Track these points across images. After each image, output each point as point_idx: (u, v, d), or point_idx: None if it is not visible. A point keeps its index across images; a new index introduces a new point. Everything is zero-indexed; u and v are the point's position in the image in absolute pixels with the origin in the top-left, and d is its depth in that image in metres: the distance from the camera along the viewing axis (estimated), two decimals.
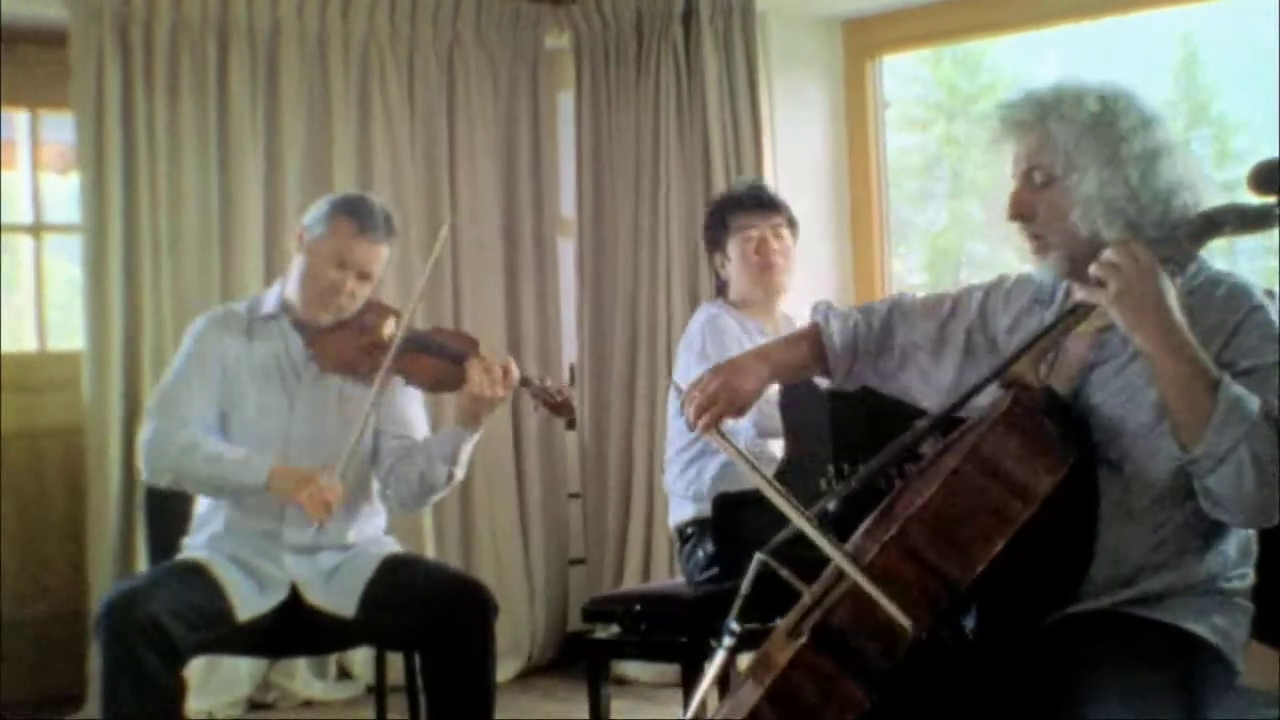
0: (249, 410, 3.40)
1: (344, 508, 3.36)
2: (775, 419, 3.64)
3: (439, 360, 3.41)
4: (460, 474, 3.43)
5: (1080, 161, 2.16)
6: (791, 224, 4.03)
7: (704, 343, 3.80)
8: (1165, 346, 2.02)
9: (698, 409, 2.37)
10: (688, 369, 3.81)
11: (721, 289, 4.05)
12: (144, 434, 3.38)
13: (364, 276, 3.39)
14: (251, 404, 3.40)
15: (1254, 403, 2.01)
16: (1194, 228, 2.13)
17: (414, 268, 5.10)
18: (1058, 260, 2.22)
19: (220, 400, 3.39)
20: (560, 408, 3.46)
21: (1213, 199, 2.18)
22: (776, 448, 3.75)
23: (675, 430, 3.89)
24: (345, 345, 3.40)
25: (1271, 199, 2.10)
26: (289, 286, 3.45)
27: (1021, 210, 2.23)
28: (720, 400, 2.37)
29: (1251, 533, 2.17)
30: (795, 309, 4.93)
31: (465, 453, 3.40)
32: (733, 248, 3.94)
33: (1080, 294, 2.20)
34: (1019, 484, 1.99)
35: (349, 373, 3.40)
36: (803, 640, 1.97)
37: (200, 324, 3.48)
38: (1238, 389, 2.02)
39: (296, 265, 3.43)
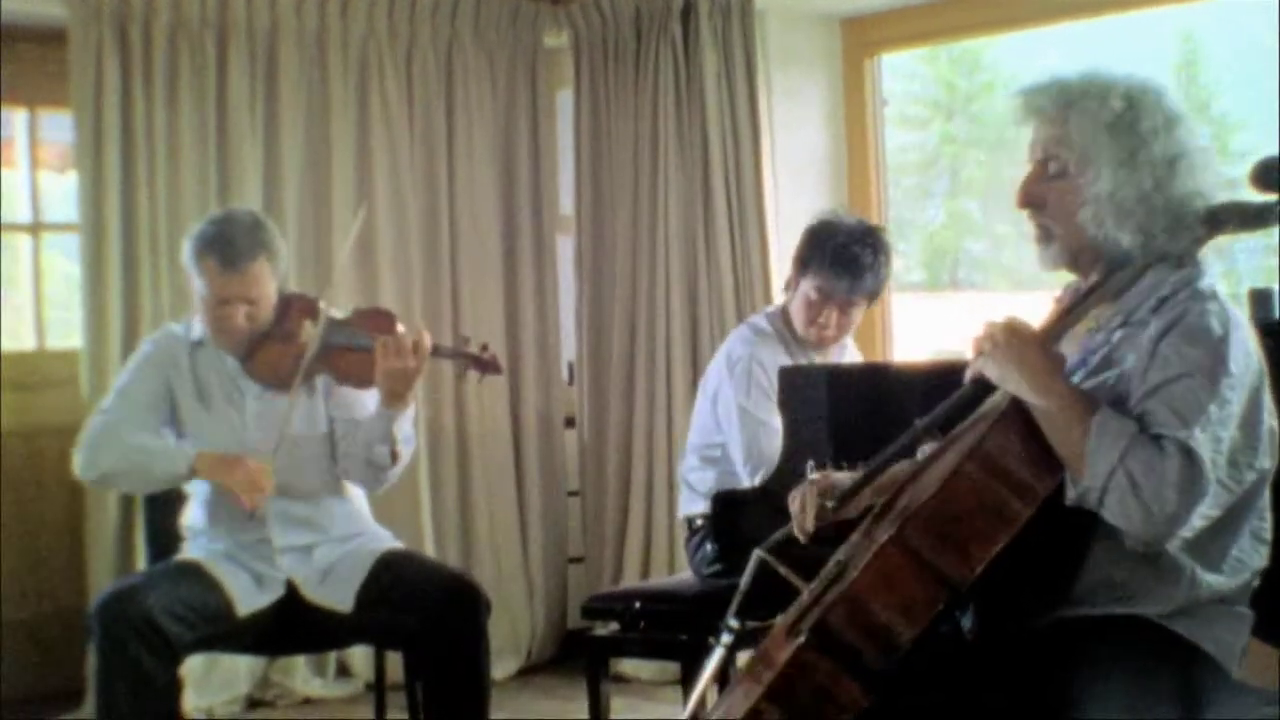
0: (203, 431, 3.42)
1: (307, 502, 3.43)
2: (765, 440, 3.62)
3: (361, 354, 3.37)
4: (405, 449, 3.41)
5: (1096, 160, 2.14)
6: (873, 296, 3.75)
7: (748, 385, 3.64)
8: (1032, 394, 2.04)
9: None
10: (718, 402, 3.72)
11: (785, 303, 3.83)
12: (81, 434, 3.42)
13: (251, 301, 3.38)
14: (204, 424, 3.43)
15: (1127, 425, 1.99)
16: (1195, 226, 2.12)
17: (413, 264, 5.11)
18: (1059, 253, 2.21)
19: (170, 418, 3.43)
20: (489, 365, 3.43)
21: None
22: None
23: (699, 424, 3.83)
24: (275, 359, 3.42)
25: (1272, 197, 2.10)
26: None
27: (1031, 198, 2.21)
28: None
29: (1256, 544, 2.13)
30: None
31: (402, 429, 3.38)
32: (803, 287, 3.71)
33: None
34: (1021, 484, 1.99)
35: (283, 387, 3.39)
36: (801, 639, 1.97)
37: (146, 349, 3.53)
38: (1109, 415, 2.00)
39: (195, 304, 3.46)
